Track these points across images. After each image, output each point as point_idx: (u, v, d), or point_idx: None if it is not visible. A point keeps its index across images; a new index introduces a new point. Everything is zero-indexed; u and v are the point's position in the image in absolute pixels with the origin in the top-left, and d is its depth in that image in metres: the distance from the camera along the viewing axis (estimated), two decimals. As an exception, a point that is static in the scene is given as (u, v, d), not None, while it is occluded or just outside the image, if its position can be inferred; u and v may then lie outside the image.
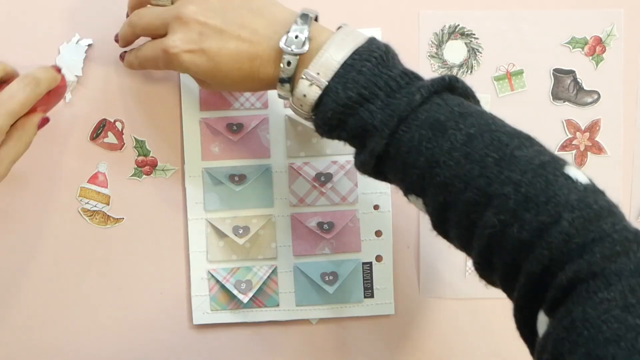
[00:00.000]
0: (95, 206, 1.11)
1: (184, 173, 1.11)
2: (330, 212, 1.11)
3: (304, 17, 0.90)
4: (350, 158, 1.06)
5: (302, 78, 0.88)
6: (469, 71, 1.10)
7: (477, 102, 0.90)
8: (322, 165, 1.11)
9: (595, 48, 1.09)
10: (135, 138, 1.11)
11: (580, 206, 0.74)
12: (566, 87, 1.09)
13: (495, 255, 0.79)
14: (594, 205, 0.75)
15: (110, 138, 1.11)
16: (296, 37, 0.89)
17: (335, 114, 0.87)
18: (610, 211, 0.76)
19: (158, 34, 0.97)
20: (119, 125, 1.11)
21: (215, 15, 0.92)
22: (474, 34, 1.09)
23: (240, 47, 0.92)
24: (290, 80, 0.90)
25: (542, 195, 0.76)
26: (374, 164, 0.87)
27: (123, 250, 1.11)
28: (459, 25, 1.09)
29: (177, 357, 1.12)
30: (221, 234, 1.11)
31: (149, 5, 1.00)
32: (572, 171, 0.78)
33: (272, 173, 1.11)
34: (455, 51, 1.10)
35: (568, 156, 1.10)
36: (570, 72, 1.10)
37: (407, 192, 0.88)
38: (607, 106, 1.10)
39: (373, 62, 0.87)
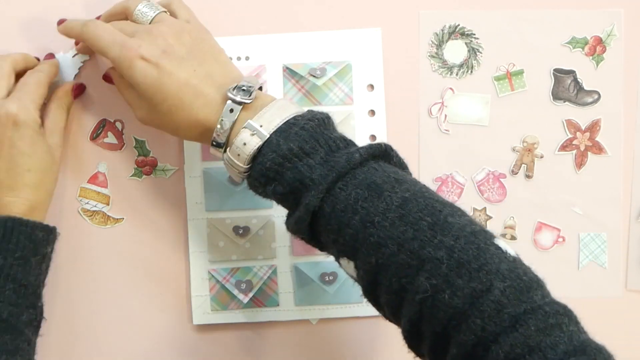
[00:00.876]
0: (95, 206, 1.11)
1: (184, 173, 1.11)
2: None
3: (251, 78, 0.95)
4: None
5: (245, 128, 0.90)
6: (469, 71, 1.10)
7: (409, 173, 0.92)
8: None
9: (596, 48, 1.09)
10: (135, 138, 1.11)
11: (511, 276, 0.76)
12: (566, 87, 1.09)
13: (425, 322, 0.79)
14: (524, 276, 0.77)
15: (110, 138, 1.11)
16: (243, 90, 0.92)
17: (274, 164, 0.88)
18: (539, 284, 0.79)
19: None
20: (119, 125, 1.11)
21: (183, 45, 0.95)
22: (474, 34, 1.09)
23: (191, 80, 0.94)
24: (227, 130, 0.92)
25: (475, 262, 0.77)
26: (308, 222, 0.88)
27: (123, 250, 1.11)
28: (459, 25, 1.09)
29: (177, 358, 1.12)
30: (221, 234, 1.11)
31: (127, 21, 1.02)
32: (502, 243, 0.80)
33: None
34: (455, 51, 1.10)
35: (568, 156, 1.10)
36: (571, 72, 1.10)
37: (339, 256, 0.88)
38: (607, 106, 1.10)
39: (315, 122, 0.89)
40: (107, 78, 1.05)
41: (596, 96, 1.10)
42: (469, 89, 1.10)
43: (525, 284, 0.76)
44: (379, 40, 1.10)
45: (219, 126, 0.92)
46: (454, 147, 1.10)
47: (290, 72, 1.11)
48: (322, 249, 0.92)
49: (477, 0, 1.10)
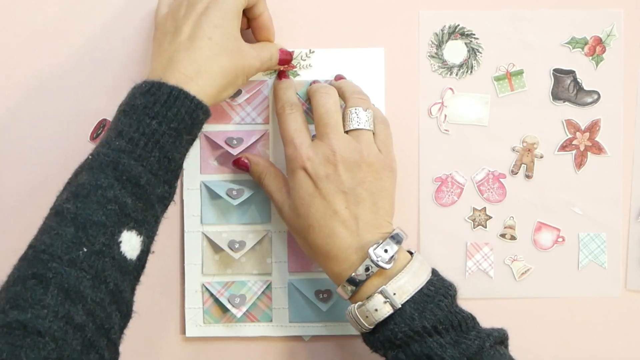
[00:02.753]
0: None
1: (182, 185, 1.11)
2: None
3: (397, 236, 0.95)
4: None
5: (379, 293, 0.92)
6: (469, 71, 1.10)
7: None
8: None
9: (595, 48, 1.09)
10: (135, 138, 1.10)
11: None
12: (566, 87, 1.09)
13: None
14: None
15: None
16: (385, 250, 0.93)
17: (404, 336, 0.91)
18: None
19: None
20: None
21: (350, 179, 0.98)
22: (474, 34, 1.09)
23: (337, 215, 0.97)
24: (358, 285, 0.94)
25: None
26: None
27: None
28: (459, 25, 1.09)
29: (168, 369, 1.13)
30: (217, 248, 1.11)
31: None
32: None
33: None
34: (455, 51, 1.10)
35: (568, 156, 1.10)
36: (570, 72, 1.09)
37: None
38: (607, 106, 1.09)
39: (449, 299, 0.93)
40: (238, 163, 1.09)
41: (596, 96, 1.09)
42: (468, 89, 1.10)
43: None
44: (382, 59, 1.10)
45: (349, 280, 0.95)
46: (453, 147, 1.10)
47: None
48: None
49: (477, 1, 1.09)
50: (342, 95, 1.04)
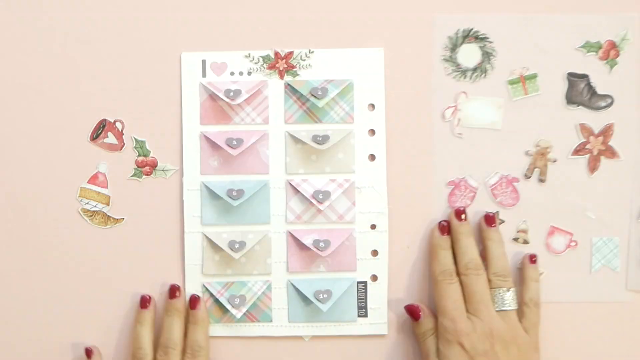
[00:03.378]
0: (95, 206, 1.11)
1: (182, 186, 1.10)
2: (327, 230, 1.11)
3: None
4: (349, 176, 1.10)
5: None
6: (483, 75, 1.09)
7: None
8: (320, 183, 1.10)
9: (609, 52, 1.09)
10: (135, 138, 1.11)
11: None
12: (580, 91, 1.10)
13: None
14: None
15: (110, 138, 1.11)
16: None
17: None
18: None
19: None
20: (119, 125, 1.10)
21: (506, 356, 1.03)
22: (488, 38, 1.09)
23: None
24: None
25: None
26: None
27: (123, 251, 1.11)
28: (473, 29, 1.09)
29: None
30: (217, 248, 1.11)
31: None
32: None
33: (270, 189, 1.11)
34: (469, 55, 1.09)
35: (581, 160, 1.10)
36: (584, 76, 1.10)
37: None
38: (620, 110, 1.10)
39: None
40: (411, 310, 1.10)
41: (609, 100, 1.10)
42: (482, 93, 1.10)
43: None
44: (382, 59, 1.10)
45: None
46: (467, 150, 1.10)
47: (291, 89, 1.10)
48: None
49: (492, 4, 1.09)
50: (486, 267, 1.08)
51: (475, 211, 1.10)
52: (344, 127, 1.10)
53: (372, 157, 1.10)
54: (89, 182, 1.10)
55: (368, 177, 1.10)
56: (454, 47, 1.09)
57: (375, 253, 1.11)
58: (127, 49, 1.09)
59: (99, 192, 1.10)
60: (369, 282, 1.11)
